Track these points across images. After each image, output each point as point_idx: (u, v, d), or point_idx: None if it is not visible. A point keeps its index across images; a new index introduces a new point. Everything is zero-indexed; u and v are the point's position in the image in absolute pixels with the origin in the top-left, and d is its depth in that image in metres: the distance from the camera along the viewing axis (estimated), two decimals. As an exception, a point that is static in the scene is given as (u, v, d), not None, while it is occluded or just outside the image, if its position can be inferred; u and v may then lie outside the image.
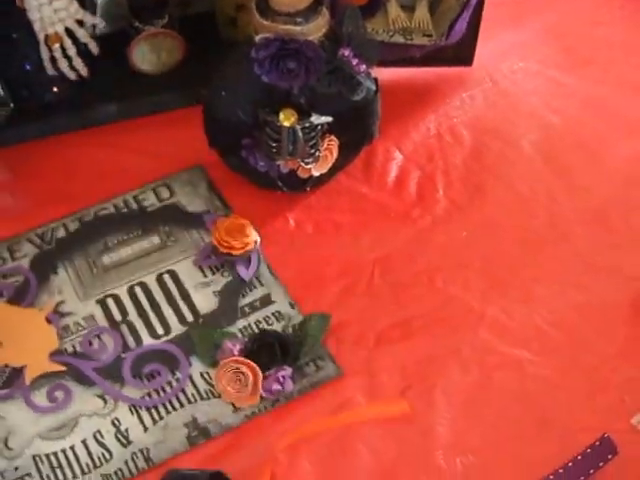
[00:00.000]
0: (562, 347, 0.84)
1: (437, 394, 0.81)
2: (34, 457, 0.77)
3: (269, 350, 0.80)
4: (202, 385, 0.81)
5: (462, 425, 0.79)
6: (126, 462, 0.77)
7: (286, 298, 0.86)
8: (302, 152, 0.85)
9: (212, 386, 0.81)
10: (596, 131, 1.03)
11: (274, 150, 0.85)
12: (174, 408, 0.80)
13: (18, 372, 0.82)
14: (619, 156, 1.01)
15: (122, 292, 0.88)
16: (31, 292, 0.88)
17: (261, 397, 0.79)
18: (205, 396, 0.80)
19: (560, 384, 0.82)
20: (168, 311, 0.86)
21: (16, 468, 0.77)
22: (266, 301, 0.86)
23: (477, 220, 0.94)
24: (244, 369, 0.78)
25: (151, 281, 0.88)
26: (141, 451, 0.77)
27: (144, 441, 0.78)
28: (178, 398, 0.80)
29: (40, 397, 0.81)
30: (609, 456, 0.76)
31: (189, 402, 0.80)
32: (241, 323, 0.85)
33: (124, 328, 0.85)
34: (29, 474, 0.76)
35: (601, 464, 0.76)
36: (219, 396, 0.80)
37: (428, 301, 0.87)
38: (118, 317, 0.86)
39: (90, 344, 0.84)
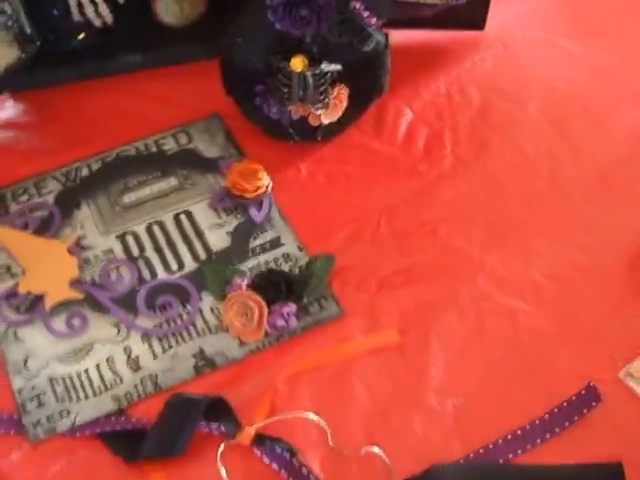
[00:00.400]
0: (556, 300, 0.84)
1: (433, 338, 0.81)
2: (50, 378, 0.79)
3: (275, 287, 0.81)
4: (211, 319, 0.82)
5: (455, 368, 0.79)
6: (135, 386, 0.78)
7: (295, 241, 0.87)
8: (312, 98, 0.85)
9: (220, 320, 0.82)
10: (602, 99, 1.02)
11: (285, 96, 0.85)
12: (183, 339, 0.81)
13: (39, 299, 0.83)
14: (624, 124, 1.00)
15: (140, 229, 0.89)
16: (55, 225, 0.89)
17: (266, 333, 0.80)
18: (213, 330, 0.81)
19: (552, 334, 0.82)
20: (183, 249, 0.87)
21: (33, 387, 0.78)
22: (276, 243, 0.87)
23: (481, 176, 0.94)
24: (250, 303, 0.79)
25: (168, 220, 0.89)
26: (150, 377, 0.79)
27: (153, 368, 0.79)
28: (188, 330, 0.81)
29: (59, 323, 0.82)
30: (593, 404, 0.76)
31: (198, 335, 0.81)
32: (251, 262, 0.86)
33: (141, 263, 0.86)
34: (44, 393, 0.78)
35: (585, 411, 0.76)
36: (227, 330, 0.81)
37: (430, 250, 0.87)
38: (136, 252, 0.87)
39: (108, 275, 0.85)
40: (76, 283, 0.84)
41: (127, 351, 0.80)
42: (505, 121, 0.99)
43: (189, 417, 0.74)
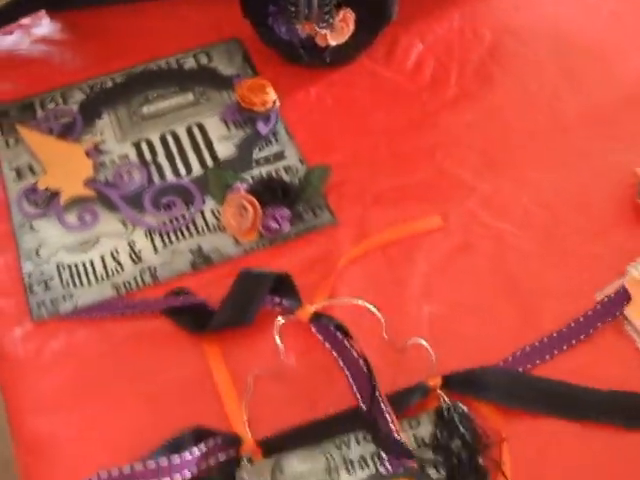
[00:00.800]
0: (544, 225, 0.84)
1: (418, 252, 0.82)
2: (58, 265, 0.82)
3: (272, 193, 0.83)
4: (211, 220, 0.84)
5: (436, 281, 0.80)
6: (135, 277, 0.81)
7: (297, 155, 0.89)
8: (317, 17, 0.88)
9: (219, 221, 0.84)
10: (612, 43, 1.01)
11: (293, 14, 0.87)
12: (183, 236, 0.83)
13: (55, 195, 0.86)
14: (630, 68, 0.99)
15: (155, 138, 0.91)
16: (77, 130, 0.92)
17: (260, 235, 0.82)
18: (212, 230, 0.84)
19: (536, 255, 0.82)
20: (192, 157, 0.89)
21: (41, 272, 0.82)
22: (279, 156, 0.89)
23: (483, 107, 0.94)
24: (246, 204, 0.81)
25: (181, 131, 0.91)
26: (149, 269, 0.81)
27: (153, 261, 0.82)
28: (188, 228, 0.84)
29: (71, 217, 0.85)
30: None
31: (197, 233, 0.83)
32: (254, 172, 0.87)
33: (152, 167, 0.89)
34: (51, 278, 0.81)
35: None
36: (224, 230, 0.83)
37: (424, 172, 0.88)
38: (148, 158, 0.89)
39: (120, 176, 0.88)
40: (90, 182, 0.87)
41: (131, 245, 0.83)
42: (513, 59, 0.99)
43: (258, 289, 0.77)
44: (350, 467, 0.68)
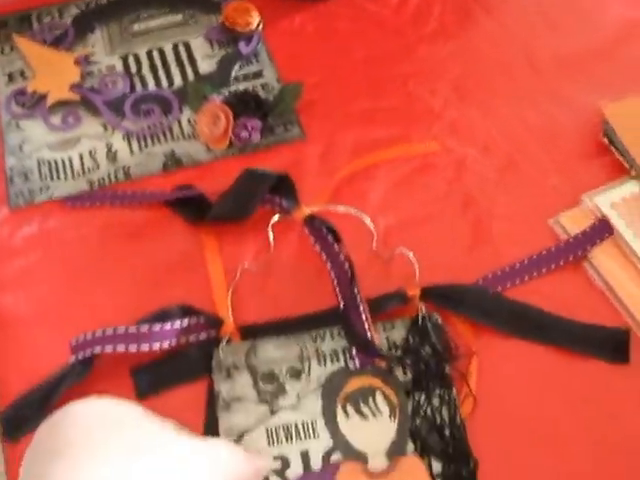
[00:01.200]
0: (506, 154, 0.87)
1: (379, 171, 0.85)
2: (38, 160, 0.86)
3: (245, 105, 0.86)
4: (187, 128, 0.88)
5: (392, 196, 0.83)
6: (109, 174, 0.84)
7: (274, 75, 0.92)
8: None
9: (194, 130, 0.87)
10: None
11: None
12: (159, 141, 0.87)
13: (42, 98, 0.90)
14: (607, 21, 1.00)
15: (142, 53, 0.95)
16: (69, 41, 0.95)
17: (231, 143, 0.85)
18: (187, 137, 0.87)
19: (493, 181, 0.85)
20: (175, 71, 0.93)
21: (22, 166, 0.85)
22: (257, 75, 0.92)
23: (461, 43, 0.96)
24: (219, 113, 0.84)
25: (168, 48, 0.95)
26: (123, 168, 0.85)
27: (128, 161, 0.85)
28: (164, 134, 0.87)
29: (55, 118, 0.89)
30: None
31: (172, 139, 0.87)
32: (231, 88, 0.90)
33: (136, 78, 0.92)
34: (31, 171, 0.85)
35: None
36: (198, 138, 0.86)
37: (395, 98, 0.91)
38: (134, 69, 0.93)
39: (105, 85, 0.91)
40: (76, 87, 0.91)
41: (109, 146, 0.86)
42: (495, 2, 1.00)
43: (260, 186, 0.79)
44: (321, 359, 0.70)
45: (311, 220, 0.78)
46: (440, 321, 0.72)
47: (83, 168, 0.85)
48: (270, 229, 0.77)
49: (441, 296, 0.74)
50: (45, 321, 0.74)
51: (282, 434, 0.67)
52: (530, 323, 0.74)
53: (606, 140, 0.87)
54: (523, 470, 0.66)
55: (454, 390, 0.69)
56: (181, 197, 0.81)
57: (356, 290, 0.71)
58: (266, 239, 0.77)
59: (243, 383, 0.69)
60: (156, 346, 0.69)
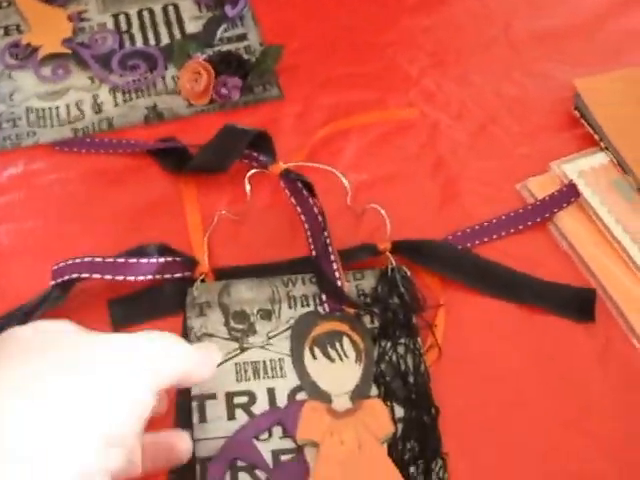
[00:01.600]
0: (478, 122, 0.89)
1: (354, 133, 0.87)
2: (27, 108, 0.89)
3: (227, 64, 0.88)
4: (170, 84, 0.90)
5: (366, 155, 0.85)
6: (93, 124, 0.87)
7: (258, 39, 0.94)
8: None
9: (177, 85, 0.89)
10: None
11: None
12: (142, 95, 0.89)
13: (35, 50, 0.93)
14: (588, 2, 1.02)
15: (133, 12, 0.97)
16: (63, -1, 0.98)
17: (211, 100, 0.88)
18: (169, 92, 0.90)
19: (464, 146, 0.86)
20: (163, 30, 0.95)
21: (11, 113, 0.88)
22: (241, 38, 0.95)
23: (441, 16, 0.98)
24: (201, 69, 0.87)
25: (157, 8, 0.98)
26: (107, 118, 0.88)
27: (112, 113, 0.88)
28: (148, 88, 0.90)
29: (46, 70, 0.92)
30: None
31: (156, 94, 0.90)
32: (216, 48, 0.93)
33: (125, 35, 0.95)
34: (19, 118, 0.88)
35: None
36: (179, 93, 0.89)
37: (373, 65, 0.93)
38: (124, 27, 0.96)
39: (95, 40, 0.94)
40: (67, 42, 0.93)
41: (95, 98, 0.89)
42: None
43: (239, 141, 0.81)
44: (292, 302, 0.72)
45: (287, 174, 0.80)
46: (409, 274, 0.74)
47: (69, 117, 0.87)
48: (247, 180, 0.79)
49: (411, 250, 0.76)
50: (26, 253, 0.77)
51: (250, 370, 0.69)
52: (498, 280, 0.76)
53: (577, 113, 0.89)
54: (482, 419, 0.68)
55: (419, 340, 0.71)
56: (163, 148, 0.83)
57: (328, 240, 0.74)
58: (242, 191, 0.79)
59: (215, 320, 0.71)
60: (131, 278, 0.72)
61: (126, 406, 0.50)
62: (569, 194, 0.81)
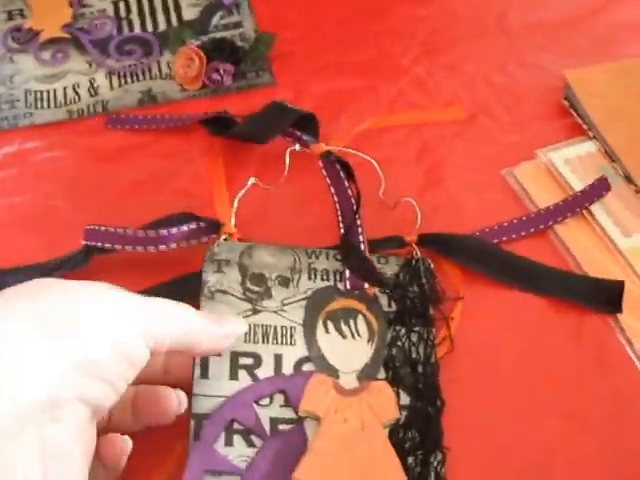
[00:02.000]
0: (467, 110, 0.89)
1: (343, 117, 0.88)
2: (26, 91, 0.90)
3: (220, 51, 0.90)
4: (164, 70, 0.92)
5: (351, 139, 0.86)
6: (88, 106, 0.89)
7: (253, 27, 0.96)
8: None
9: (171, 71, 0.91)
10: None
11: None
12: (137, 79, 0.91)
13: (36, 35, 0.95)
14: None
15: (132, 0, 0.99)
16: (65, -14, 1.00)
17: (204, 85, 0.89)
18: (164, 77, 0.91)
19: (451, 133, 0.87)
20: (161, 17, 0.97)
21: (10, 94, 0.90)
22: (236, 25, 0.96)
23: (436, 7, 0.99)
24: (194, 55, 0.88)
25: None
26: (102, 101, 0.89)
27: (107, 96, 0.90)
28: (143, 73, 0.91)
29: (46, 55, 0.94)
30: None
31: (150, 78, 0.91)
32: (211, 35, 0.94)
33: (124, 22, 0.96)
34: (18, 100, 0.90)
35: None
36: (173, 79, 0.90)
37: (365, 53, 0.94)
38: (123, 14, 0.97)
39: (95, 26, 0.96)
40: (67, 27, 0.95)
41: (91, 82, 0.91)
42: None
43: (283, 117, 0.82)
44: (312, 275, 0.71)
45: (327, 155, 0.81)
46: (432, 267, 0.74)
47: (65, 100, 0.89)
48: (288, 154, 0.78)
49: (437, 243, 0.76)
50: (15, 226, 0.79)
51: (260, 333, 0.67)
52: (521, 271, 0.76)
53: (567, 103, 0.89)
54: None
55: (434, 330, 0.70)
56: (212, 117, 0.85)
57: (359, 222, 0.75)
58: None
59: (232, 278, 0.70)
60: (163, 248, 0.72)
61: (107, 341, 0.49)
62: (600, 188, 0.82)
